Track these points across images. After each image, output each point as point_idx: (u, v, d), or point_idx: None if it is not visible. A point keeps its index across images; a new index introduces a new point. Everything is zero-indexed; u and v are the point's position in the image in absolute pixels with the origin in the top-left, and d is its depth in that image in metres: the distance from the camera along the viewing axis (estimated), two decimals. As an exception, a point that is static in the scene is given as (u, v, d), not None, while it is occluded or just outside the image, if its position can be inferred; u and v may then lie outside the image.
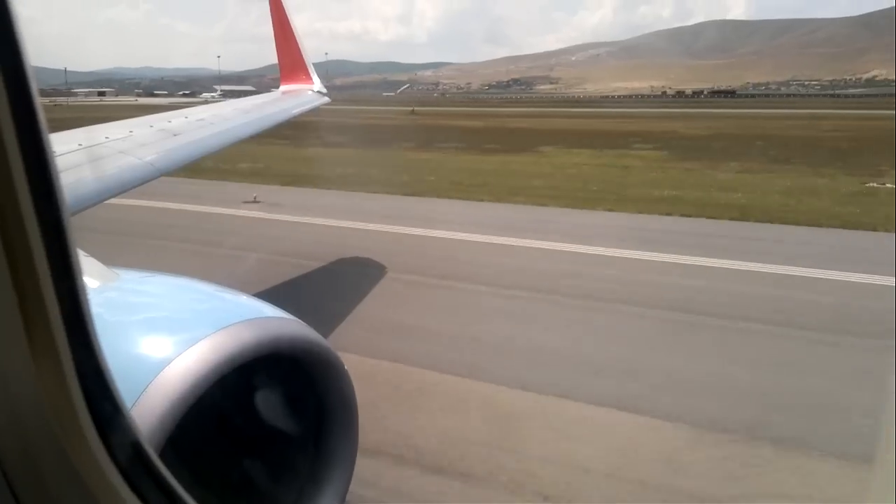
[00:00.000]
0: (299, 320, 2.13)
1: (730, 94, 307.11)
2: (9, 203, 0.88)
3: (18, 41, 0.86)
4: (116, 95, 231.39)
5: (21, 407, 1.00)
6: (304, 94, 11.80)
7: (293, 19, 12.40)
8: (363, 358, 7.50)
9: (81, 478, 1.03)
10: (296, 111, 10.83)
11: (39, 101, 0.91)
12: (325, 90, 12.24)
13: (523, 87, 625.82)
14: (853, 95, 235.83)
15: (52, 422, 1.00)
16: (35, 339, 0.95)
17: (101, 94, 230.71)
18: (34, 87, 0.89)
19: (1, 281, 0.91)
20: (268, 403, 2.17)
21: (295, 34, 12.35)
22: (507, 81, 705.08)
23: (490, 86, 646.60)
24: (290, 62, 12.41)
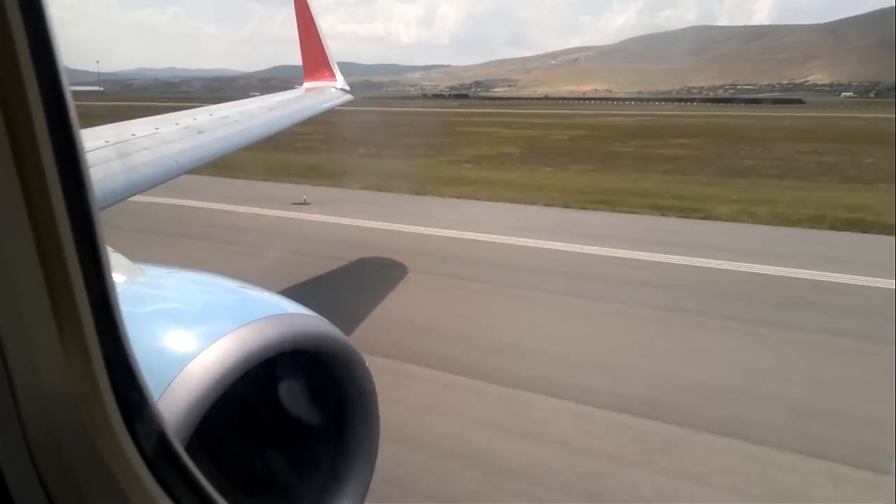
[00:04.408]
0: (320, 317, 2.14)
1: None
2: (41, 197, 0.89)
3: (52, 41, 0.88)
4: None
5: (51, 397, 1.01)
6: (328, 92, 11.85)
7: (317, 18, 12.45)
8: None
9: (108, 469, 1.05)
10: (320, 108, 10.89)
11: (71, 99, 0.92)
12: (348, 87, 12.27)
13: (482, 88, 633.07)
14: (760, 101, 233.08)
15: (81, 412, 1.02)
16: (65, 331, 0.96)
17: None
18: (67, 86, 0.91)
19: (32, 273, 0.93)
20: (290, 398, 2.19)
21: (319, 32, 12.40)
22: (471, 84, 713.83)
23: (453, 87, 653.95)
24: (314, 60, 12.47)
